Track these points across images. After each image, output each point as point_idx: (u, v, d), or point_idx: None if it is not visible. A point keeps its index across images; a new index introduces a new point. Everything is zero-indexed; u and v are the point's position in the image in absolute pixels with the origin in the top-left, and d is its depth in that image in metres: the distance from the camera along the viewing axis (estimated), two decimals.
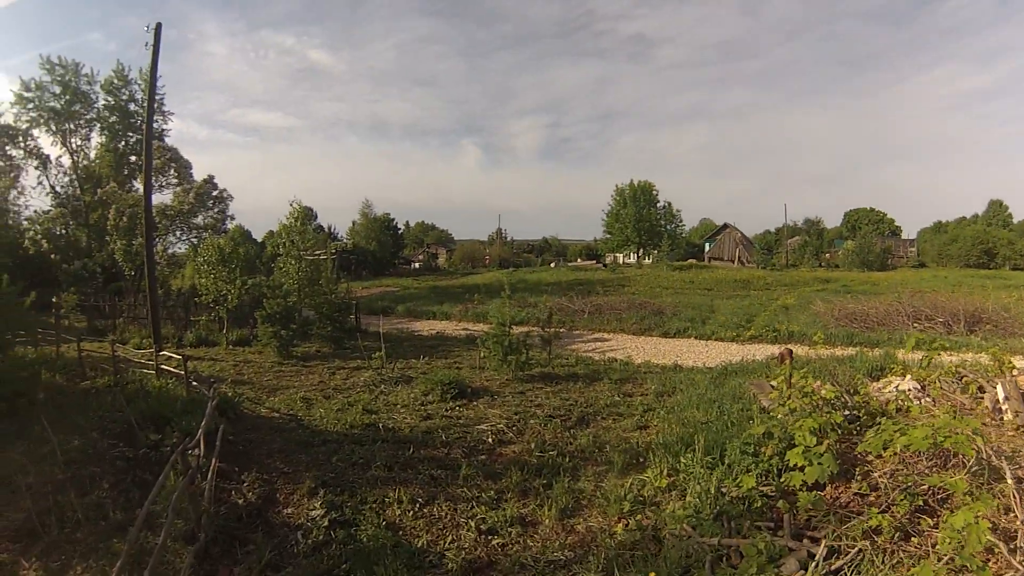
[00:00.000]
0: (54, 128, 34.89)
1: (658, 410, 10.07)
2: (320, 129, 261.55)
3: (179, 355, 13.12)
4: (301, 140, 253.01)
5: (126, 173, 36.36)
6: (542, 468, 7.49)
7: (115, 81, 35.72)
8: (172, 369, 13.35)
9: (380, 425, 10.04)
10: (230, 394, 11.94)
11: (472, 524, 6.11)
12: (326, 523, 6.31)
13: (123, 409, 9.92)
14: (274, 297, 19.16)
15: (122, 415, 9.66)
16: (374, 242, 73.56)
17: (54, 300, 25.24)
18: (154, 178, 31.25)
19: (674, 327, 20.49)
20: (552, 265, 72.80)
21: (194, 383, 12.15)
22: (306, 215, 26.40)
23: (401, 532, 6.13)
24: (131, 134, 36.24)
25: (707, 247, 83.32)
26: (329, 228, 70.80)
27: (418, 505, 6.65)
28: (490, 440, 8.97)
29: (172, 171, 36.32)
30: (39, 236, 33.29)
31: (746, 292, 34.13)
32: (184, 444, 6.51)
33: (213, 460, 7.48)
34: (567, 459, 7.86)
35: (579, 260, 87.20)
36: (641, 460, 7.49)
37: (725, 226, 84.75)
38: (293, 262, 23.11)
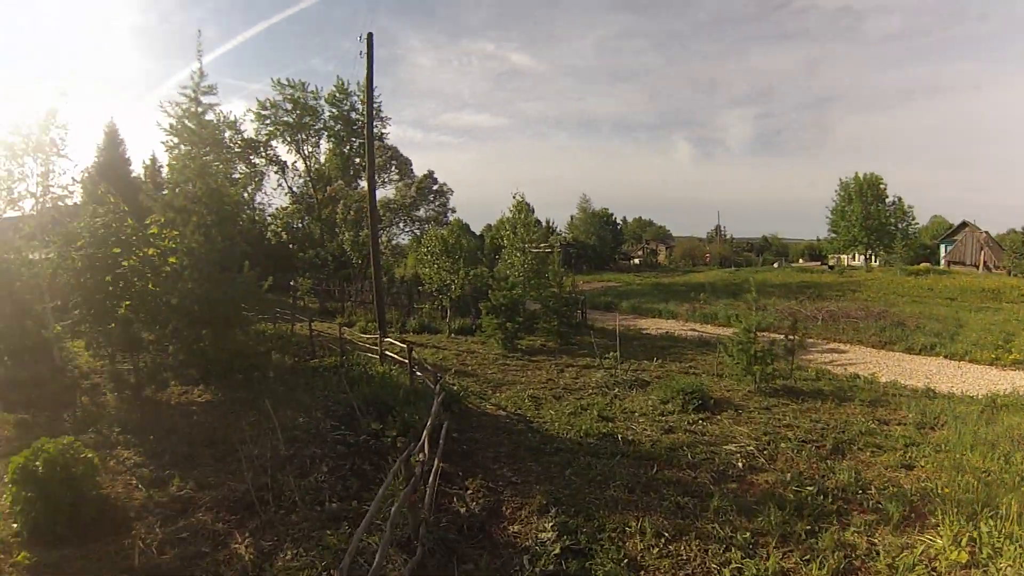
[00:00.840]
0: (288, 138, 44.73)
1: (923, 446, 9.18)
2: (528, 127, 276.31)
3: (402, 342, 13.75)
4: (510, 139, 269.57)
5: (351, 173, 44.81)
6: (801, 508, 6.75)
7: (337, 95, 44.58)
8: (395, 356, 14.01)
9: (619, 436, 9.52)
10: (455, 387, 12.11)
11: (727, 574, 5.44)
12: (557, 550, 5.85)
13: (347, 392, 10.38)
14: (499, 289, 19.93)
15: (345, 397, 10.07)
16: (593, 236, 76.09)
17: (292, 283, 30.46)
18: (377, 175, 36.37)
19: (919, 342, 19.21)
20: (775, 265, 72.18)
21: (417, 372, 12.44)
22: (527, 208, 27.58)
23: (643, 573, 5.55)
24: (354, 139, 44.49)
25: (943, 249, 73.72)
26: (548, 222, 73.38)
27: (663, 540, 6.05)
28: (740, 465, 8.30)
29: (393, 168, 43.26)
30: (279, 229, 42.59)
31: (998, 304, 30.60)
32: (409, 450, 6.49)
33: (436, 461, 7.33)
34: (828, 499, 7.03)
35: (801, 260, 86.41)
36: (921, 514, 6.61)
37: (964, 224, 73.77)
38: (518, 254, 24.13)
